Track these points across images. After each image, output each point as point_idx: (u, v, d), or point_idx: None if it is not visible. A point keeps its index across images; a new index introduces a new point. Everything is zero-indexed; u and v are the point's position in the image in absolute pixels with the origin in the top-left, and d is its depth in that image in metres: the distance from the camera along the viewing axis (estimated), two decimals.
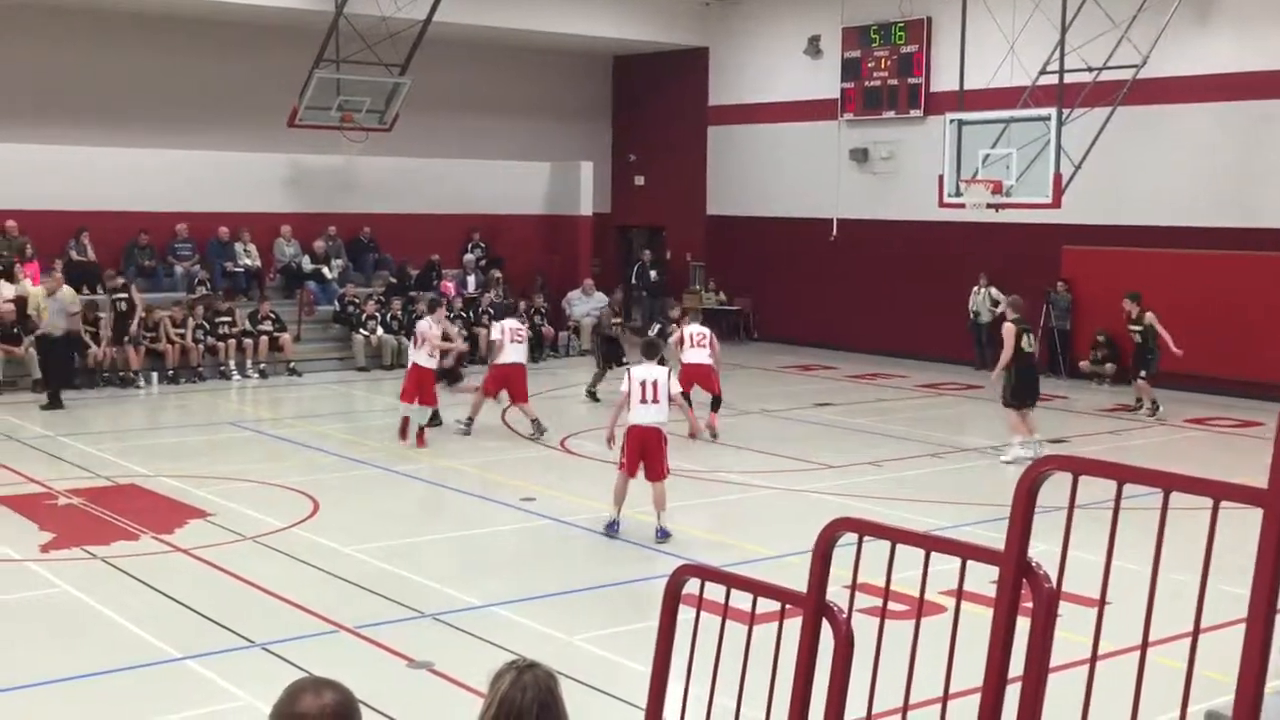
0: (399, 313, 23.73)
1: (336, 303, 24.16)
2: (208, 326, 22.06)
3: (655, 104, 29.33)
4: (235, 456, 15.82)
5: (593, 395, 19.51)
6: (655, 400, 11.61)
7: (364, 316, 23.65)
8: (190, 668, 8.41)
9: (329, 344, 23.96)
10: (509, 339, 16.61)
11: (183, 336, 21.78)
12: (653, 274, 28.03)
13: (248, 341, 22.32)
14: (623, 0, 26.73)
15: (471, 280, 26.10)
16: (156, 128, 24.06)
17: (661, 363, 12.13)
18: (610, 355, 19.93)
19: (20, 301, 20.91)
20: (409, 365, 16.56)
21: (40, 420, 18.01)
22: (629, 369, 12.21)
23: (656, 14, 27.40)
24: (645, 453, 11.59)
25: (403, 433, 16.09)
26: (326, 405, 20.24)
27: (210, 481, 14.05)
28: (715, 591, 4.49)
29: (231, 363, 22.07)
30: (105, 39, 23.67)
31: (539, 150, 28.43)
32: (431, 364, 16.16)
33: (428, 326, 16.31)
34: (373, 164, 25.47)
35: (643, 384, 11.61)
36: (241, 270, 24.19)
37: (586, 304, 26.48)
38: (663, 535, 11.55)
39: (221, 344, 22.07)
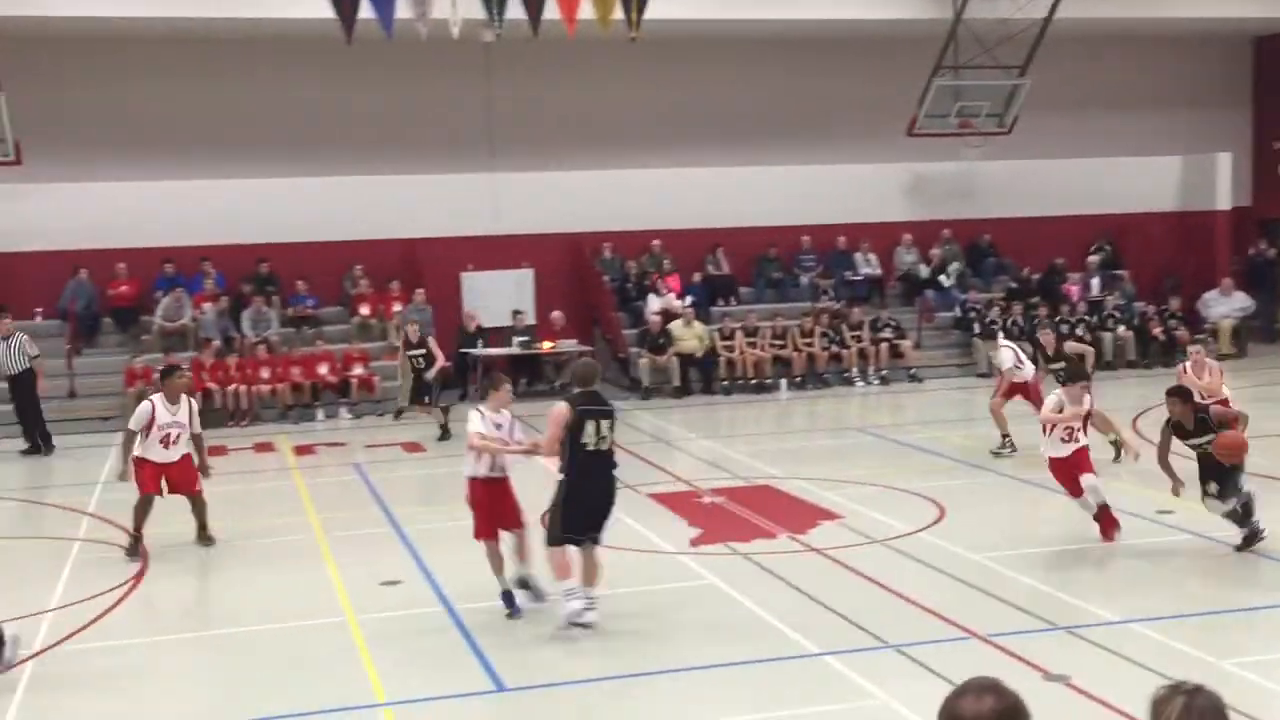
0: (1019, 318, 23.31)
1: (957, 309, 24.16)
2: (832, 334, 22.86)
3: None
4: (861, 461, 16.20)
5: None
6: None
7: (987, 322, 23.44)
8: (829, 664, 8.73)
9: (949, 350, 24.00)
10: None
11: (810, 345, 22.69)
12: None
13: (870, 349, 22.87)
14: None
15: (1095, 283, 25.12)
16: (780, 145, 25.21)
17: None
18: None
19: (664, 315, 22.68)
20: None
21: (681, 421, 19.48)
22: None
23: None
24: None
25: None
26: (948, 411, 20.27)
27: (839, 485, 14.52)
28: None
29: (854, 369, 22.69)
30: (742, 63, 25.05)
31: (1169, 143, 26.85)
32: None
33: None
34: (991, 168, 25.24)
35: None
36: (862, 279, 24.83)
37: (1225, 305, 24.72)
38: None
39: (845, 351, 22.77)
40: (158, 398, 12.16)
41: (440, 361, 19.10)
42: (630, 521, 13.12)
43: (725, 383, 22.21)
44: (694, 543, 12.18)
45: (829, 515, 13.07)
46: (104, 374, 21.24)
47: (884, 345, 23.03)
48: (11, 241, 22.20)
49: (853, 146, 25.33)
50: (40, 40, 21.41)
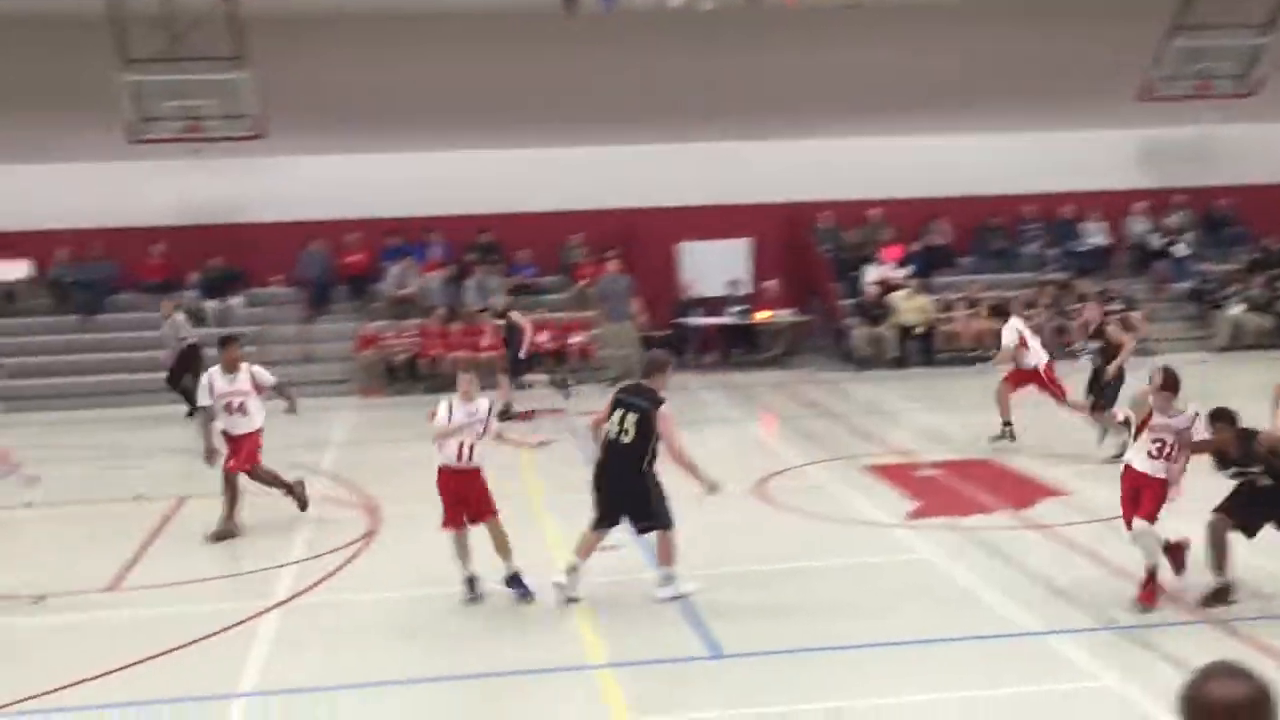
0: (1261, 290, 22.20)
1: (1192, 280, 23.15)
2: (1058, 306, 22.18)
3: None
4: (1088, 436, 15.65)
5: None
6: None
7: (1227, 294, 22.40)
8: (1049, 643, 8.50)
9: (1184, 322, 23.02)
10: None
11: (1034, 316, 22.02)
12: None
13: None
14: None
15: None
16: (1001, 111, 24.40)
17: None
18: None
19: (883, 285, 22.39)
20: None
21: (900, 393, 19.22)
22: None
23: None
24: None
25: None
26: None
27: (1063, 460, 14.11)
28: None
29: (1081, 342, 21.93)
30: (962, 26, 24.32)
31: None
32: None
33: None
34: (1231, 132, 24.02)
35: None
36: (1089, 248, 23.99)
37: None
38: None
39: (1070, 323, 22.03)
40: (216, 369, 12.57)
41: (528, 335, 18.36)
42: (847, 492, 13.05)
43: (944, 354, 21.79)
44: (910, 516, 12.03)
45: (1052, 492, 12.72)
46: (337, 340, 22.14)
47: (1114, 317, 22.20)
48: (253, 212, 23.33)
49: (1077, 112, 24.34)
50: (285, 19, 22.24)
